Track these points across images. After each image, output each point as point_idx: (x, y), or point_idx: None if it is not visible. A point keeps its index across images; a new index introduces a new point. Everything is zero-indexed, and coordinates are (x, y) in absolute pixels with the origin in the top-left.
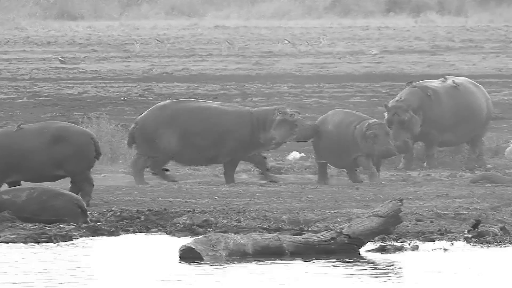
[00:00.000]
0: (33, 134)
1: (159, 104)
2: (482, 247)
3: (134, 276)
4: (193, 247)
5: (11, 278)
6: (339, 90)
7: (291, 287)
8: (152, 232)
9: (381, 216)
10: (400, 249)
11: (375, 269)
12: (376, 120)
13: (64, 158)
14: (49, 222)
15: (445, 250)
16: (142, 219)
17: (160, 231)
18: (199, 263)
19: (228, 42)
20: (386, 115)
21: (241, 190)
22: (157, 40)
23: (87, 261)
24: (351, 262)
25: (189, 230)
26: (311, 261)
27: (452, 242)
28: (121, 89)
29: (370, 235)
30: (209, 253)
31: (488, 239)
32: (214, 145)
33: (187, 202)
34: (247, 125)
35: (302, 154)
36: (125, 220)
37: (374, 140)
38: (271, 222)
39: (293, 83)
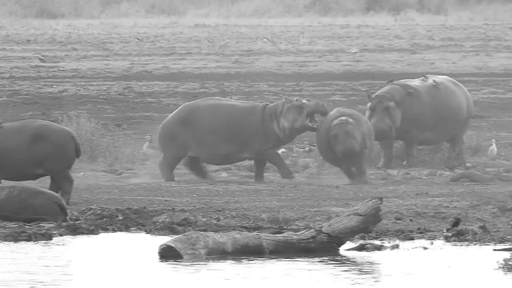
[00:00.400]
0: (13, 132)
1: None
2: (461, 245)
3: (114, 275)
4: (173, 245)
5: None
6: (319, 88)
7: (270, 286)
8: (132, 230)
9: (360, 215)
10: (379, 247)
11: (354, 268)
12: (340, 119)
13: (44, 157)
14: (28, 220)
15: (425, 248)
16: (121, 218)
17: (140, 230)
18: (179, 262)
19: (208, 41)
20: (369, 104)
21: (220, 189)
22: (137, 39)
23: (67, 260)
24: (330, 261)
25: (169, 229)
26: (291, 260)
27: (432, 240)
28: (100, 88)
29: (349, 233)
30: (188, 252)
31: (467, 237)
32: (229, 142)
33: (166, 200)
34: (258, 120)
35: (283, 149)
36: (105, 219)
37: (335, 141)
38: (251, 221)
39: (273, 81)
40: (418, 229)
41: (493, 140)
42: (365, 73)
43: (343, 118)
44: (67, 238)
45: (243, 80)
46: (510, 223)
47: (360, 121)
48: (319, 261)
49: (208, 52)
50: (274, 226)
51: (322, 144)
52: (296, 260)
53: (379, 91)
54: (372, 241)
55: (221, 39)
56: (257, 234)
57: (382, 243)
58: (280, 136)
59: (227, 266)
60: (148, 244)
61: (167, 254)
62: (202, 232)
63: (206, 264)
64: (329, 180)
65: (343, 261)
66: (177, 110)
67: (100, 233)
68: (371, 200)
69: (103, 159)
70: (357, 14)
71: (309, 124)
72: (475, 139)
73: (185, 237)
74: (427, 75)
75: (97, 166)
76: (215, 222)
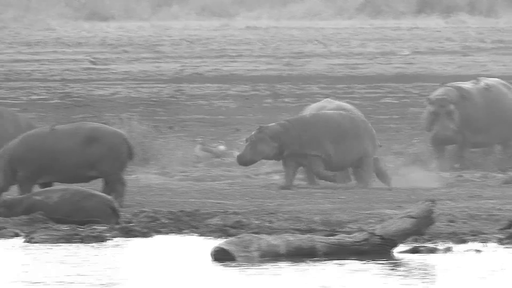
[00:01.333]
0: (66, 135)
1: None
2: None
3: (167, 278)
4: (226, 248)
5: (43, 279)
6: (370, 90)
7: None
8: (185, 233)
9: (413, 217)
10: (432, 250)
11: (407, 271)
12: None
13: (97, 159)
14: (81, 223)
15: (478, 251)
16: (165, 221)
17: (193, 232)
18: (232, 264)
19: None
20: (430, 108)
21: (273, 191)
22: (188, 41)
23: (120, 263)
24: (383, 264)
25: (222, 231)
26: (343, 262)
27: (485, 243)
28: (152, 90)
29: (402, 236)
30: (241, 254)
31: None
32: None
33: (219, 203)
34: None
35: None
36: (158, 221)
37: None
38: (304, 223)
39: (324, 83)
40: (471, 231)
41: None
42: (417, 76)
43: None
44: (120, 241)
45: (295, 82)
46: None
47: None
48: (372, 264)
49: (260, 54)
50: (327, 229)
51: None
52: (349, 263)
53: (435, 94)
54: (425, 244)
55: (272, 42)
56: (310, 237)
57: (435, 245)
58: None
59: (281, 269)
60: (201, 246)
61: (220, 256)
62: (255, 235)
63: (259, 267)
64: (381, 183)
65: (396, 263)
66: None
67: (153, 235)
68: (424, 202)
69: (155, 161)
70: (408, 17)
71: None
72: None
73: (238, 240)
74: (478, 78)
75: (150, 169)
76: (268, 224)
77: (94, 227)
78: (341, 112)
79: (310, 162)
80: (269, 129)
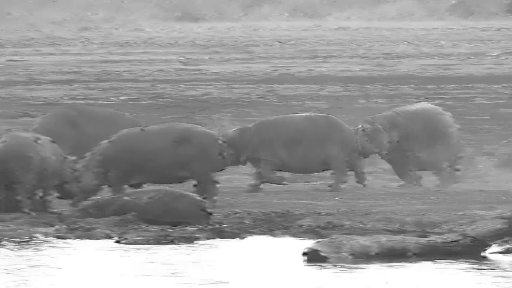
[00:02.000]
0: (158, 135)
1: None
2: None
3: (258, 279)
4: (318, 249)
5: (134, 280)
6: (462, 91)
7: None
8: (276, 234)
9: (506, 218)
10: None
11: (499, 272)
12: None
13: (189, 160)
14: (172, 224)
15: None
16: (251, 222)
17: (284, 233)
18: (324, 265)
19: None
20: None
21: (365, 192)
22: (280, 42)
23: (212, 264)
24: (475, 265)
25: (313, 232)
26: (435, 263)
27: None
28: (243, 91)
29: (494, 237)
30: (333, 255)
31: None
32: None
33: (311, 204)
34: None
35: None
36: (249, 222)
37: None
38: (396, 224)
39: (415, 84)
40: None
41: None
42: (509, 76)
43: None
44: (212, 242)
45: (386, 83)
46: None
47: None
48: (464, 265)
49: (351, 55)
50: (419, 230)
51: None
52: (440, 264)
53: None
54: None
55: (363, 42)
56: (402, 238)
57: None
58: None
59: (372, 270)
60: (293, 247)
61: (312, 257)
62: (347, 236)
63: (351, 268)
64: (473, 183)
65: (488, 264)
66: None
67: (244, 236)
68: None
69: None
70: (499, 17)
71: None
72: None
73: (330, 241)
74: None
75: (241, 169)
76: (359, 225)
77: (185, 228)
78: (311, 114)
79: (260, 166)
80: (226, 136)
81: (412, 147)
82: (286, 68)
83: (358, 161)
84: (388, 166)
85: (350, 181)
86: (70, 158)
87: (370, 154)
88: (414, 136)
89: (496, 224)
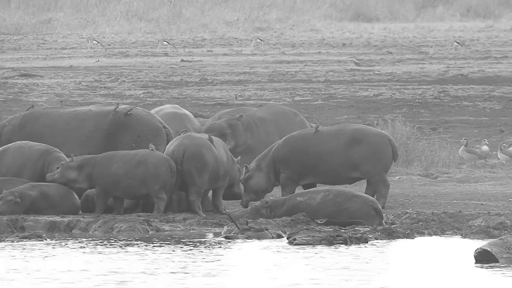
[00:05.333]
0: (330, 136)
1: None
2: None
3: (430, 279)
4: (489, 249)
5: (307, 281)
6: None
7: None
8: (447, 234)
9: None
10: None
11: None
12: None
13: (361, 160)
14: (344, 224)
15: None
16: (434, 222)
17: (455, 234)
18: (495, 266)
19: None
20: None
21: None
22: (457, 43)
23: (383, 264)
24: None
25: (485, 233)
26: None
27: None
28: (416, 91)
29: None
30: (504, 256)
31: None
32: None
33: (482, 204)
34: None
35: None
36: (421, 223)
37: None
38: None
39: None
40: None
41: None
42: None
43: None
44: (383, 242)
45: None
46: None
47: None
48: None
49: None
50: None
51: None
52: None
53: None
54: None
55: None
56: None
57: None
58: None
59: None
60: (464, 248)
61: (483, 258)
62: None
63: None
64: None
65: None
66: None
67: (415, 237)
68: None
69: (419, 163)
70: None
71: None
72: None
73: (501, 241)
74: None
75: (413, 170)
76: None
77: (356, 228)
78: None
79: None
80: None
81: None
82: (459, 68)
83: None
84: None
85: None
86: (237, 159)
87: None
88: None
89: None
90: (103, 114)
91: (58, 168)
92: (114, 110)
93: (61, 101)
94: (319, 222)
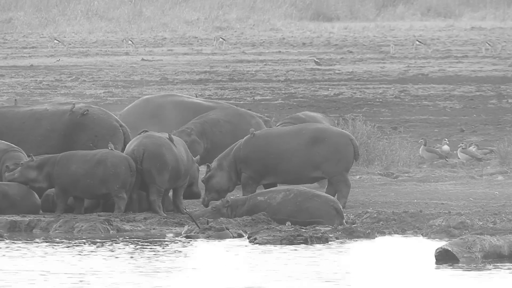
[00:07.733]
0: (292, 136)
1: None
2: None
3: (390, 279)
4: (449, 249)
5: (267, 281)
6: None
7: None
8: (408, 234)
9: None
10: None
11: None
12: None
13: (323, 160)
14: (304, 224)
15: None
16: (395, 221)
17: (416, 233)
18: (455, 265)
19: (488, 43)
20: None
21: (497, 192)
22: (419, 42)
23: (344, 264)
24: None
25: (445, 232)
26: None
27: None
28: (376, 91)
29: None
30: (465, 255)
31: None
32: None
33: (443, 203)
34: None
35: None
36: (381, 222)
37: None
38: None
39: None
40: None
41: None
42: None
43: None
44: (343, 242)
45: None
46: None
47: None
48: None
49: (485, 55)
50: None
51: None
52: None
53: None
54: None
55: (497, 42)
56: None
57: None
58: None
59: (504, 270)
60: (425, 247)
61: (443, 257)
62: (478, 236)
63: (482, 268)
64: None
65: None
66: None
67: (376, 236)
68: None
69: (379, 162)
70: None
71: None
72: None
73: (462, 241)
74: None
75: (373, 169)
76: (491, 225)
77: (317, 227)
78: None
79: None
80: None
81: None
82: (420, 68)
83: None
84: None
85: (481, 181)
86: (196, 158)
87: None
88: None
89: None
90: (59, 113)
91: (8, 166)
92: (70, 110)
93: (15, 100)
94: (287, 225)
